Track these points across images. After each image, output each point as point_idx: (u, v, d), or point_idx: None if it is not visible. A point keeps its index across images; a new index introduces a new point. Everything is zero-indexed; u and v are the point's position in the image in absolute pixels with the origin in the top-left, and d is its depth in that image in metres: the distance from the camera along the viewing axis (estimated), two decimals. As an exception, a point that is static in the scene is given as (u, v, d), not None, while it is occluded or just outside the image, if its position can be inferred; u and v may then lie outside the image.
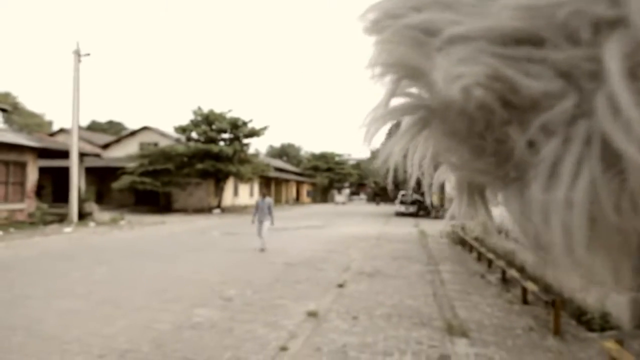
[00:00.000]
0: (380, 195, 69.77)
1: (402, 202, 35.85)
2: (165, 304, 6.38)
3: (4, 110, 27.49)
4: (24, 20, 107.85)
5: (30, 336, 4.92)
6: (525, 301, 6.73)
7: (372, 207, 53.71)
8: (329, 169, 69.56)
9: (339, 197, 68.03)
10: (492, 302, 6.84)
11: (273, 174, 45.47)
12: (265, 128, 33.94)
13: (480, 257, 11.07)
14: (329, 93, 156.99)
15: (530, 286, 6.42)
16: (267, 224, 12.22)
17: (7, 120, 45.71)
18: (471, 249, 12.50)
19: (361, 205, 62.71)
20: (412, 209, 34.57)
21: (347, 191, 75.84)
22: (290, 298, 6.91)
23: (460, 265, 10.49)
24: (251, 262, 10.36)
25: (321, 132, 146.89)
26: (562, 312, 5.46)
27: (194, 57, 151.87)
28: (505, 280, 8.33)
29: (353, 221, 26.41)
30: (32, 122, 52.02)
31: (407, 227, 22.03)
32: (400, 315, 5.99)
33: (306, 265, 10.08)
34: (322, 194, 70.92)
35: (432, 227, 21.68)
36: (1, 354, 4.40)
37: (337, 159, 73.38)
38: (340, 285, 7.82)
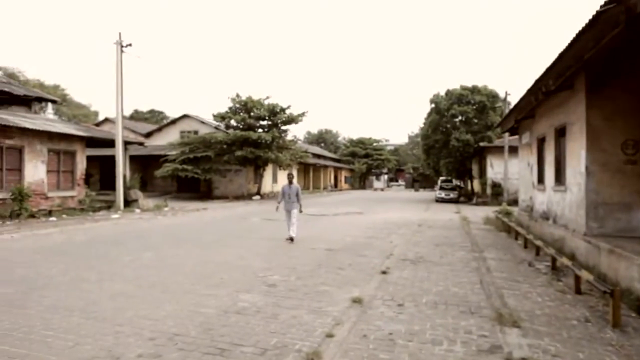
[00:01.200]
0: (418, 181, 68.83)
1: (442, 188, 35.20)
2: (210, 289, 6.49)
3: (54, 102, 28.71)
4: (70, 14, 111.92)
5: (85, 317, 5.11)
6: (578, 291, 6.43)
7: (411, 193, 53.05)
8: (366, 155, 69.08)
9: (377, 183, 67.67)
10: (542, 291, 6.57)
11: (311, 160, 45.65)
12: (303, 114, 33.93)
13: (526, 244, 10.70)
14: (366, 78, 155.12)
15: (585, 275, 6.11)
16: (295, 212, 11.44)
17: (57, 112, 47.87)
18: (517, 235, 12.10)
19: (400, 191, 62.09)
20: (452, 194, 33.89)
21: (385, 177, 75.16)
22: (334, 284, 6.89)
23: (505, 252, 10.17)
24: (293, 248, 10.42)
25: (359, 118, 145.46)
26: (621, 303, 5.18)
27: (232, 44, 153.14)
28: (555, 269, 8.01)
29: (392, 207, 26.15)
30: (79, 113, 54.22)
31: (448, 214, 21.61)
32: (446, 303, 5.85)
33: (348, 251, 10.03)
34: (360, 180, 70.62)
35: (474, 213, 21.16)
36: (60, 333, 4.59)
37: (375, 144, 72.75)
38: (384, 272, 7.73)
